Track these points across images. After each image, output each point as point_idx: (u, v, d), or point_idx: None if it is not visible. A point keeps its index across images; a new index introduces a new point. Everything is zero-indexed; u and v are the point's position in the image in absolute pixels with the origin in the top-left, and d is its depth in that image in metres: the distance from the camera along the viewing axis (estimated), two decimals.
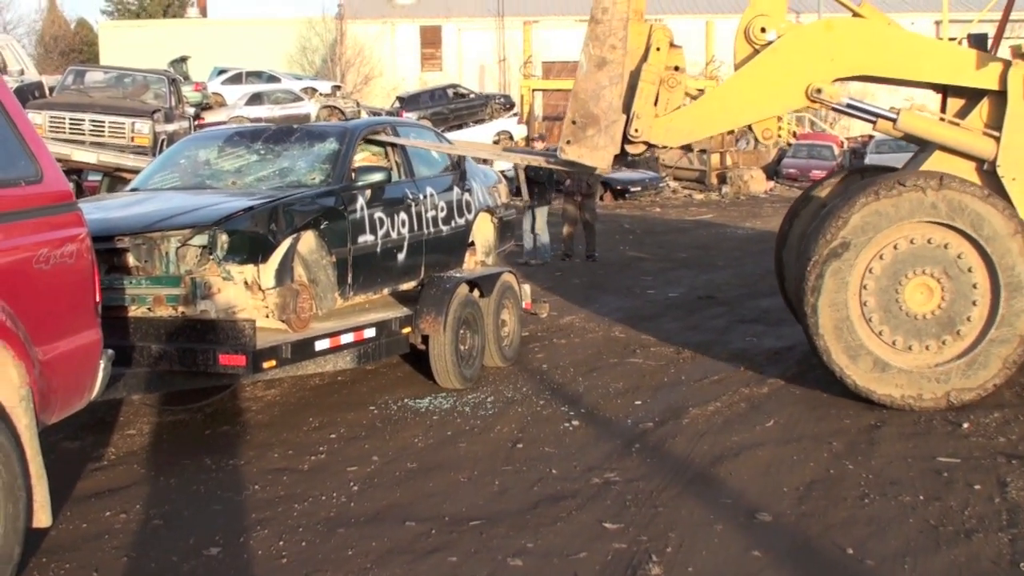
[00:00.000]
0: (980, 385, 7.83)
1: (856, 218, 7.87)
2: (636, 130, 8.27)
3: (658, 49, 8.30)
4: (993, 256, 7.79)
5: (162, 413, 8.06)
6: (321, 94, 34.62)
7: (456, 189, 9.85)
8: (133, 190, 8.95)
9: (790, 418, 7.82)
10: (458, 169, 10.12)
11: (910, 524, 5.68)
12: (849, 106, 8.51)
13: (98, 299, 5.48)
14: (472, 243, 10.16)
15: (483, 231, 10.37)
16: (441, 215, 9.44)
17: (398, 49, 52.31)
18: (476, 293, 9.27)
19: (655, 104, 8.34)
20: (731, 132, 34.07)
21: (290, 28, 51.75)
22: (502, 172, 18.57)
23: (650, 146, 8.53)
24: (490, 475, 6.57)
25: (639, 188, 29.24)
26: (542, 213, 16.92)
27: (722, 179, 32.05)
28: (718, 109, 8.48)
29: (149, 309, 7.06)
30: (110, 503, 6.14)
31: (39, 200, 5.12)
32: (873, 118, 8.55)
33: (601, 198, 27.34)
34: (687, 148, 32.84)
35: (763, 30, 8.37)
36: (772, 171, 33.84)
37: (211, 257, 7.00)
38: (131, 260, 7.09)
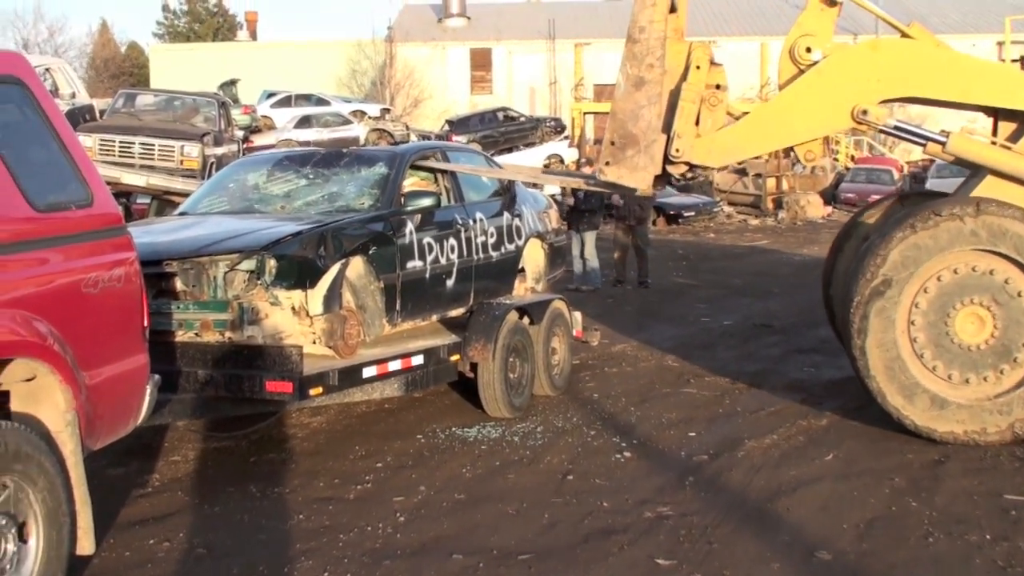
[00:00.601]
0: None
1: (895, 254, 7.77)
2: (677, 150, 8.23)
3: (698, 67, 8.26)
4: None
5: (207, 439, 8.10)
6: (370, 117, 34.91)
7: (506, 214, 9.86)
8: (181, 214, 9.07)
9: (850, 452, 7.69)
10: (508, 194, 10.14)
11: (976, 565, 5.55)
12: (897, 128, 8.41)
13: (146, 324, 5.52)
14: (522, 269, 10.17)
15: (533, 257, 10.37)
16: (490, 241, 9.45)
17: (448, 72, 52.72)
18: (526, 320, 9.26)
19: (696, 124, 8.31)
20: (787, 155, 34.02)
21: (340, 51, 52.33)
22: (552, 196, 18.58)
23: (692, 167, 8.48)
24: (539, 508, 6.52)
25: (693, 213, 29.12)
26: (590, 238, 16.89)
27: (778, 204, 31.82)
28: (762, 129, 8.42)
29: (196, 334, 7.11)
30: (154, 531, 6.16)
31: (89, 224, 5.18)
32: (923, 141, 8.45)
33: (654, 223, 27.23)
34: (741, 172, 32.94)
35: (808, 50, 8.31)
36: (830, 196, 33.53)
37: (259, 282, 7.06)
38: (179, 284, 7.17)
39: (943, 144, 8.31)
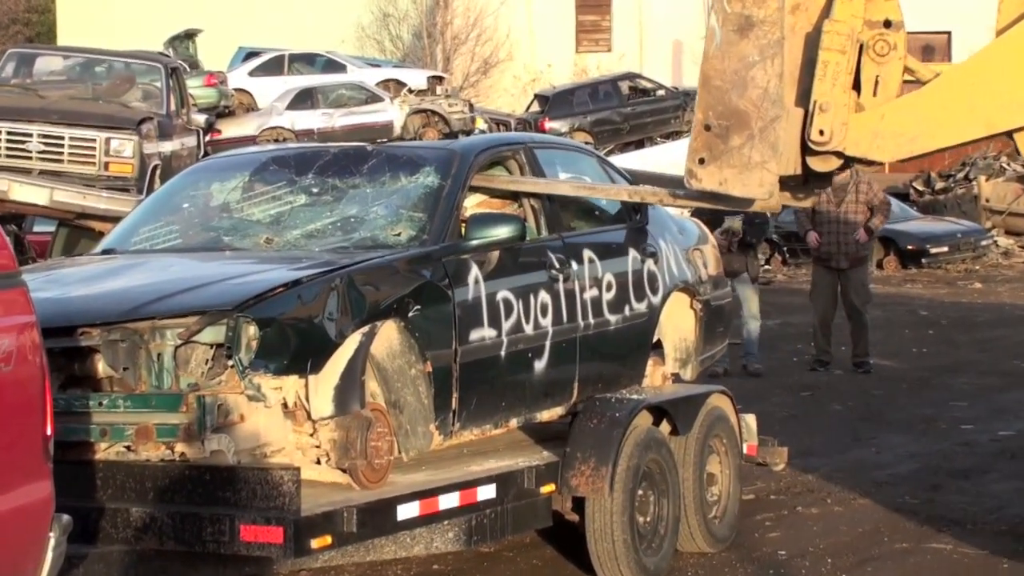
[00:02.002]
0: None
1: None
2: (821, 132, 8.15)
3: None
4: None
5: None
6: (411, 91, 35.30)
7: (633, 253, 9.91)
8: (107, 252, 9.22)
9: None
10: (637, 219, 10.19)
11: None
12: None
13: (49, 432, 5.58)
14: (659, 343, 10.21)
15: (677, 323, 10.42)
16: (607, 297, 9.50)
17: (537, 17, 53.01)
18: (666, 428, 9.28)
19: (856, 89, 8.25)
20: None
21: None
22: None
23: (848, 161, 8.49)
24: None
25: (945, 249, 28.87)
26: (748, 289, 16.69)
27: None
28: (971, 101, 8.28)
29: (129, 447, 7.20)
30: None
31: None
32: None
33: (879, 264, 27.15)
34: None
35: None
36: None
37: (230, 363, 7.14)
38: (101, 367, 7.27)
39: None
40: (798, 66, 8.26)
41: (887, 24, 8.19)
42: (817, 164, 8.33)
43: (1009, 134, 8.40)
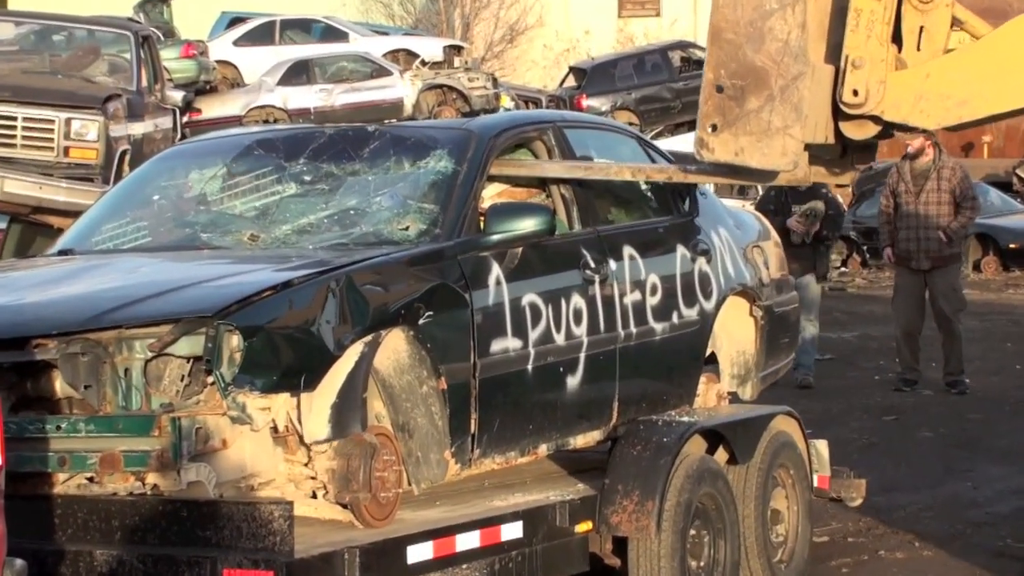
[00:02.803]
0: None
1: None
2: (855, 92, 8.21)
3: None
4: None
5: None
6: (425, 63, 35.39)
7: (681, 250, 9.97)
8: (64, 252, 9.28)
9: None
10: (685, 210, 10.26)
11: None
12: None
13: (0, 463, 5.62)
14: (712, 356, 10.27)
15: (734, 333, 10.49)
16: (652, 301, 9.56)
17: None
18: (722, 456, 9.33)
19: (893, 41, 8.28)
20: None
21: None
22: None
23: (887, 128, 8.51)
24: None
25: None
26: (811, 289, 16.87)
27: None
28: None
29: (92, 479, 7.25)
30: None
31: None
32: None
33: (977, 266, 27.10)
34: None
35: None
36: None
37: (210, 379, 7.17)
38: (59, 385, 7.32)
39: None
40: (827, 15, 8.34)
41: None
42: (851, 130, 8.39)
43: None
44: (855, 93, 8.18)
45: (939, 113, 8.38)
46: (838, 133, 8.41)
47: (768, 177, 8.71)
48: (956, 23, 8.37)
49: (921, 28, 8.25)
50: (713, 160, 8.42)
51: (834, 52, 8.27)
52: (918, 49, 8.26)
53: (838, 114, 8.31)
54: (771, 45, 8.17)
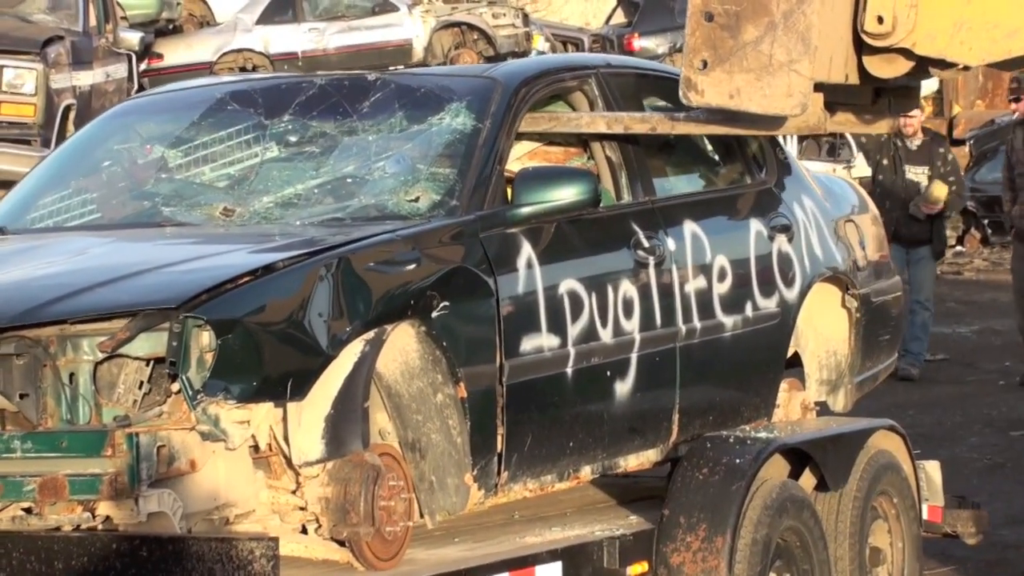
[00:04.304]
0: None
1: None
2: (880, 18, 8.26)
3: None
4: None
5: None
6: None
7: (757, 226, 10.04)
8: None
9: None
10: (761, 176, 10.28)
11: None
12: None
13: None
14: (796, 357, 10.32)
15: (823, 328, 10.56)
16: (720, 289, 9.62)
17: None
18: (809, 482, 9.36)
19: None
20: None
21: None
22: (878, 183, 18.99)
23: (923, 65, 8.57)
24: None
25: None
26: (926, 268, 17.60)
27: None
28: None
29: (29, 509, 7.26)
30: None
31: None
32: None
33: None
34: None
35: None
36: None
37: (175, 386, 7.18)
38: None
39: None
40: None
41: None
42: (878, 67, 8.50)
43: None
44: (880, 20, 8.28)
45: (984, 45, 8.44)
46: (862, 71, 8.47)
47: (772, 124, 8.73)
48: None
49: None
50: (704, 104, 8.54)
51: None
52: None
53: (861, 47, 8.37)
54: None
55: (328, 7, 33.27)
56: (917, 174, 17.57)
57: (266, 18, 32.71)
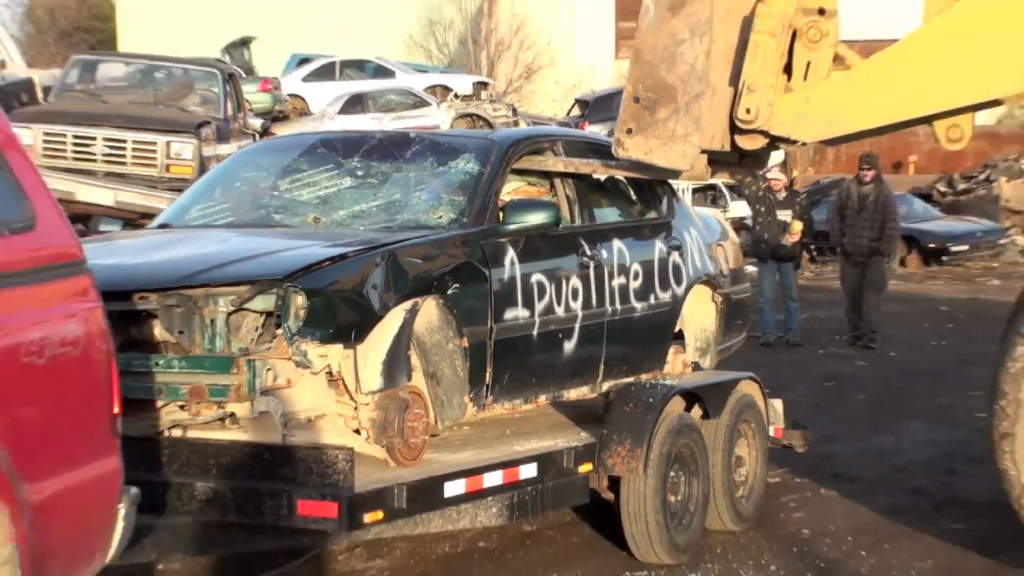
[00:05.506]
0: None
1: None
2: (748, 111, 8.23)
3: None
4: None
5: None
6: (458, 96, 35.35)
7: (659, 244, 10.02)
8: (163, 226, 9.36)
9: None
10: (664, 212, 10.29)
11: None
12: None
13: (116, 410, 5.63)
14: (680, 333, 10.30)
15: (698, 314, 10.51)
16: (634, 285, 9.60)
17: (578, 25, 52.93)
18: (697, 413, 9.32)
19: (787, 72, 8.31)
20: None
21: None
22: (741, 220, 20.54)
23: (774, 141, 8.53)
24: None
25: (965, 247, 28.80)
26: (792, 275, 18.72)
27: None
28: (885, 86, 8.27)
29: (182, 406, 7.29)
30: None
31: (30, 258, 5.30)
32: None
33: (902, 261, 27.10)
34: None
35: None
36: None
37: (279, 330, 7.19)
38: (158, 330, 7.35)
39: None
40: (733, 48, 8.35)
41: (821, 12, 8.28)
42: (744, 142, 8.45)
43: (927, 120, 8.42)
44: (748, 111, 8.23)
45: (815, 129, 8.43)
46: (733, 143, 8.45)
47: (672, 174, 8.74)
48: (838, 59, 8.43)
49: (808, 62, 8.30)
50: (627, 157, 8.46)
51: (736, 78, 8.30)
52: (805, 79, 8.31)
53: (734, 128, 8.35)
54: (680, 67, 8.20)
55: (384, 103, 33.12)
56: (784, 216, 18.26)
57: (344, 110, 32.57)
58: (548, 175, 9.48)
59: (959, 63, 8.11)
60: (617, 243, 9.55)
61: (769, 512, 9.99)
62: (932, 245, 28.51)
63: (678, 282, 10.09)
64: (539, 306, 8.66)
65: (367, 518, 7.12)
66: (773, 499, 10.29)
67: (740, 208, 24.86)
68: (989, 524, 9.54)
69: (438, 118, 32.59)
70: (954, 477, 11.12)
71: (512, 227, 8.61)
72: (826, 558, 8.99)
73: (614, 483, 8.70)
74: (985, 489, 10.59)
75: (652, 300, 9.78)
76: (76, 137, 18.23)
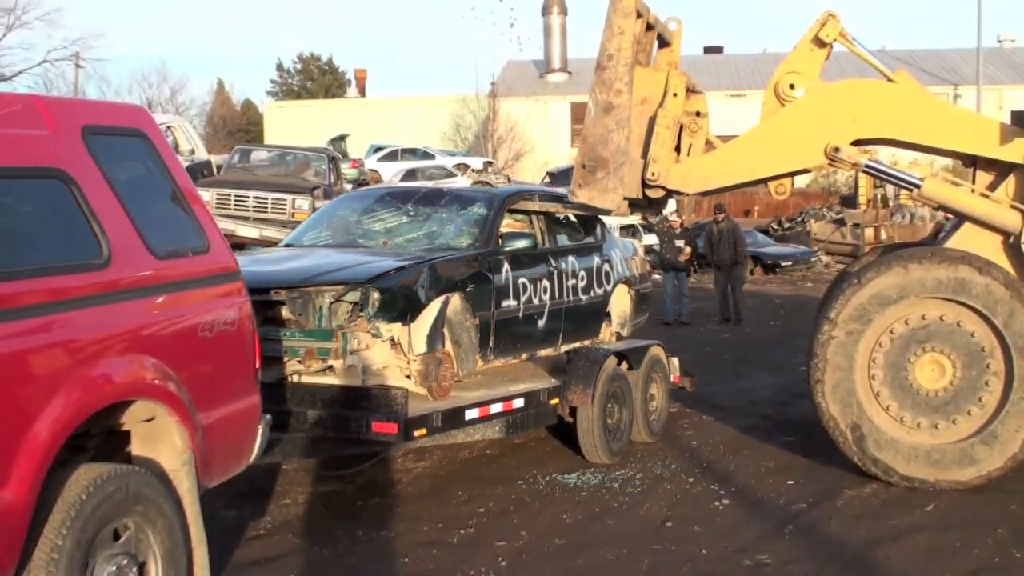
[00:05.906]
0: None
1: (855, 300, 7.89)
2: (653, 174, 8.29)
3: (675, 95, 8.31)
4: None
5: (316, 483, 8.15)
6: (473, 170, 35.19)
7: (596, 259, 9.92)
8: (287, 245, 9.26)
9: (951, 503, 7.47)
10: (599, 239, 10.20)
11: None
12: (869, 168, 8.34)
13: (257, 365, 5.60)
14: (608, 314, 10.16)
15: (620, 302, 10.39)
16: (581, 284, 9.49)
17: (549, 125, 52.95)
18: (624, 366, 9.20)
19: (677, 150, 8.33)
20: (885, 206, 33.75)
21: (444, 106, 52.94)
22: (650, 246, 20.64)
23: (669, 192, 8.50)
24: (639, 554, 6.45)
25: (790, 263, 28.79)
26: (685, 278, 18.59)
27: None
28: (736, 159, 8.37)
29: (300, 361, 7.23)
30: (267, 572, 6.22)
31: (205, 269, 5.31)
32: (898, 183, 8.53)
33: (751, 272, 27.08)
34: (839, 222, 32.66)
35: (792, 87, 8.27)
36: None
37: (362, 314, 7.17)
38: (285, 312, 7.29)
39: (918, 187, 8.27)
40: (643, 135, 8.40)
41: (698, 114, 8.41)
42: (651, 193, 8.47)
43: (764, 181, 8.55)
44: (653, 175, 8.30)
45: (695, 185, 8.46)
46: (645, 194, 8.45)
47: (606, 212, 8.69)
48: (708, 143, 8.50)
49: (690, 144, 8.37)
50: (577, 202, 8.43)
51: (645, 153, 8.35)
52: (688, 154, 8.38)
53: (644, 184, 8.37)
54: (611, 147, 8.16)
55: (428, 174, 32.98)
56: (679, 243, 18.37)
57: (403, 180, 32.35)
58: (528, 214, 9.40)
59: (780, 146, 8.28)
60: (571, 258, 9.47)
61: (670, 431, 9.88)
62: (770, 261, 28.51)
63: (608, 282, 10.01)
64: (523, 298, 8.58)
65: (416, 433, 7.06)
66: (673, 421, 10.18)
67: (650, 239, 24.75)
68: (808, 438, 9.45)
69: (461, 183, 32.44)
70: (787, 407, 11.02)
71: (507, 249, 8.58)
72: (707, 459, 8.91)
73: (572, 411, 8.61)
74: (806, 415, 10.54)
75: (592, 294, 9.69)
76: (236, 196, 18.24)
